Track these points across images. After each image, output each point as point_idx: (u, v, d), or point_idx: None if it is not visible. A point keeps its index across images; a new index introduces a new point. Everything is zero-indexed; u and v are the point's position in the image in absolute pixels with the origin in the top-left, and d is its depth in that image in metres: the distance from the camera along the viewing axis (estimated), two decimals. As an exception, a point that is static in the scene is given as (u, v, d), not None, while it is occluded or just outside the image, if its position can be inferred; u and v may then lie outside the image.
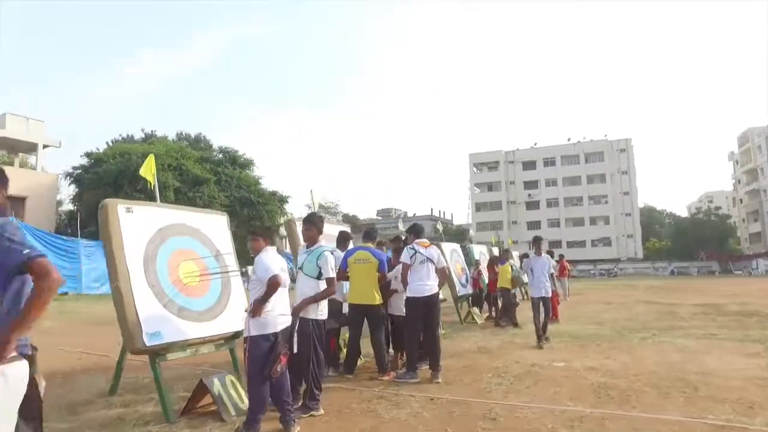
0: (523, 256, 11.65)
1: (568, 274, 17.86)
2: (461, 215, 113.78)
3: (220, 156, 40.35)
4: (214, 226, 5.54)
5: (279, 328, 3.72)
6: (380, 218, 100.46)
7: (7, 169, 2.28)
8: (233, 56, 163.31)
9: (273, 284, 3.57)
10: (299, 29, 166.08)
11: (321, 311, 4.42)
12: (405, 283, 5.63)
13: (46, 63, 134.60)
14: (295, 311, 4.20)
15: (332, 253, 4.67)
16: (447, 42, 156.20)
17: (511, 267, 10.70)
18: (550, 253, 18.92)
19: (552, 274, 8.24)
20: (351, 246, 6.30)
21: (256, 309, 3.61)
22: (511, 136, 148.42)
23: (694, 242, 60.32)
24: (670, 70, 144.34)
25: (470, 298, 12.02)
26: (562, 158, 70.97)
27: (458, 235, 76.23)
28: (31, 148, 35.82)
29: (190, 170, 35.26)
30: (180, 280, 4.69)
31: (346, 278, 5.82)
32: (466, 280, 12.01)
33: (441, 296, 10.51)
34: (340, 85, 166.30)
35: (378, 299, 5.75)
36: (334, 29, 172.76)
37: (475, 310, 11.60)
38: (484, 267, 12.53)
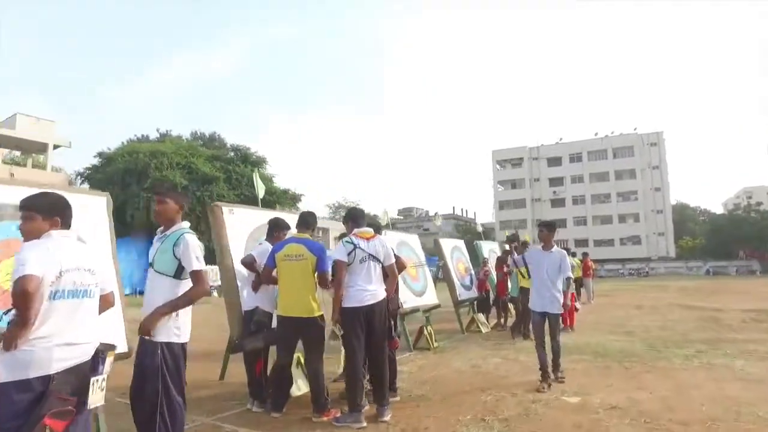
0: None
1: (593, 274, 15.91)
2: (485, 214, 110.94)
3: (232, 154, 39.33)
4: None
5: (54, 367, 2.14)
6: (401, 217, 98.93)
7: (18, 171, 1.50)
8: (255, 59, 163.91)
9: (24, 292, 2.00)
10: (318, 30, 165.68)
11: (180, 329, 2.89)
12: (337, 287, 4.05)
13: (72, 67, 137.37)
14: (143, 328, 2.81)
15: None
16: (468, 37, 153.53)
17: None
18: (570, 252, 17.23)
19: (568, 278, 5.49)
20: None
21: (8, 336, 2.05)
22: (536, 131, 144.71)
23: (731, 240, 56.74)
24: (705, 58, 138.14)
25: (475, 303, 10.31)
26: (588, 153, 68.13)
27: (484, 233, 74.45)
28: (41, 148, 35.46)
29: (199, 168, 34.45)
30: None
31: (275, 281, 4.29)
32: (471, 282, 10.30)
33: (435, 301, 8.77)
34: (359, 84, 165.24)
35: (317, 310, 4.18)
36: (352, 30, 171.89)
37: (480, 317, 9.88)
38: (492, 266, 10.79)
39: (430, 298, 8.69)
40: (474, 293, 10.17)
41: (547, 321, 5.41)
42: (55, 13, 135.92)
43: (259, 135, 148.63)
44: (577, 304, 9.35)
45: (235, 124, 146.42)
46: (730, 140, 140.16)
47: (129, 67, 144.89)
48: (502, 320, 10.08)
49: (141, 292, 28.34)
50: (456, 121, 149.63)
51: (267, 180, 38.73)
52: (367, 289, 3.99)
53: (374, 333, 4.07)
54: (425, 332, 7.77)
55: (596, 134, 68.38)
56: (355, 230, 4.25)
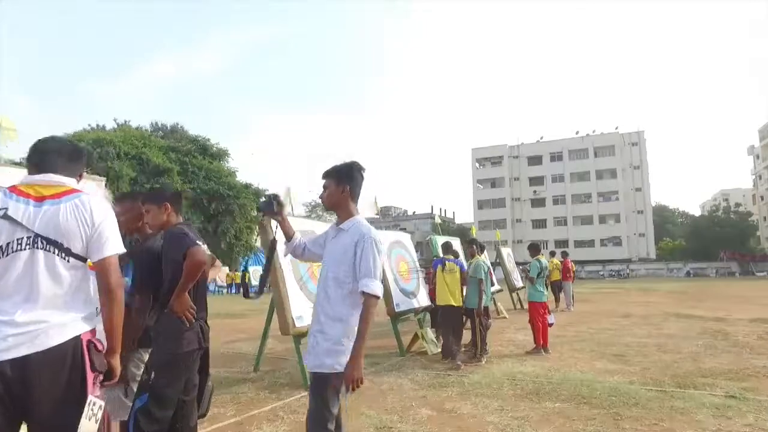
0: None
1: (573, 276, 13.75)
2: (465, 214, 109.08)
3: (190, 146, 36.50)
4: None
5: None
6: (378, 216, 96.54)
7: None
8: (238, 59, 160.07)
9: None
10: (297, 31, 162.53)
11: None
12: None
13: (54, 64, 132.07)
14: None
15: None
16: (448, 34, 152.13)
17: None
18: (552, 253, 15.04)
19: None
20: None
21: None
22: (516, 130, 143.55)
23: (711, 242, 55.71)
24: (686, 59, 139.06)
25: (423, 315, 8.05)
26: (569, 152, 66.85)
27: (459, 234, 72.60)
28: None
29: (151, 159, 31.66)
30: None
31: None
32: (417, 287, 8.02)
33: (428, 302, 7.85)
34: (338, 83, 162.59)
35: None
36: (329, 25, 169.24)
37: (429, 333, 7.58)
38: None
39: (423, 299, 8.04)
40: (418, 302, 7.87)
41: None
42: (40, 9, 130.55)
43: (240, 133, 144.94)
44: (551, 318, 7.11)
45: (218, 122, 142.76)
46: (708, 142, 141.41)
47: (112, 65, 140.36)
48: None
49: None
50: (435, 118, 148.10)
51: (226, 175, 36.17)
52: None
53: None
54: (421, 336, 7.01)
55: (577, 133, 67.21)
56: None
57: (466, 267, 6.96)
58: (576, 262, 14.26)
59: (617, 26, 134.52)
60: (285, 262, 5.31)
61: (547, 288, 7.40)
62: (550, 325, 7.11)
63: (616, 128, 65.18)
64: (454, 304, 6.42)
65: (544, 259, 7.50)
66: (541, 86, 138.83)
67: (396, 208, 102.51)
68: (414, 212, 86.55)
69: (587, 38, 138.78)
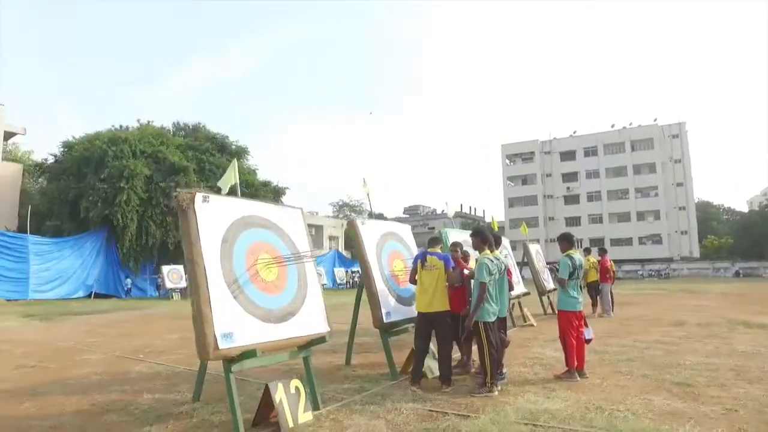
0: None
1: (613, 278, 11.81)
2: (496, 213, 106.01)
3: (208, 144, 35.68)
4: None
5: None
6: (407, 216, 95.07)
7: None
8: (265, 62, 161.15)
9: None
10: (324, 32, 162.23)
11: None
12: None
13: (94, 69, 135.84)
14: None
15: None
16: (476, 27, 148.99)
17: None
18: (587, 250, 13.10)
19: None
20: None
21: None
22: (548, 124, 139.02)
23: (763, 239, 51.81)
24: (731, 45, 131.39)
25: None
26: (605, 147, 63.76)
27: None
28: (-9, 135, 32.12)
29: (167, 157, 30.92)
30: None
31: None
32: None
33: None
34: (366, 83, 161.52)
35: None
36: (352, 24, 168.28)
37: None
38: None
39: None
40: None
41: None
42: (79, 16, 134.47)
43: (272, 135, 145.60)
44: (588, 333, 5.38)
45: (247, 124, 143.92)
46: (755, 134, 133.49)
47: (149, 70, 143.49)
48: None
49: (99, 295, 24.87)
50: (465, 115, 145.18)
51: (246, 173, 35.24)
52: None
53: None
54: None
55: (613, 126, 64.05)
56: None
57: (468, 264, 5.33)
58: (613, 261, 12.32)
59: (655, 11, 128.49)
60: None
61: (581, 291, 5.60)
62: (588, 341, 5.39)
63: (655, 120, 61.86)
64: (427, 311, 4.95)
65: (578, 255, 5.71)
66: (574, 78, 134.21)
67: (425, 207, 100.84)
68: (442, 211, 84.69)
69: (621, 26, 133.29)
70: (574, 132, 66.55)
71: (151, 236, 29.07)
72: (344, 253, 44.27)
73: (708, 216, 70.49)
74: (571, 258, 5.47)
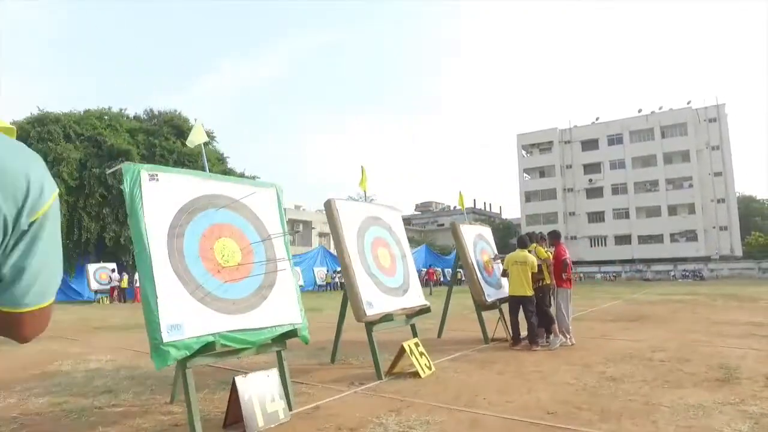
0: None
1: (570, 278, 6.63)
2: (512, 208, 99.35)
3: (164, 127, 31.49)
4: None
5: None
6: (419, 213, 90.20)
7: None
8: (293, 65, 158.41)
9: None
10: (346, 36, 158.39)
11: None
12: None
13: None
14: None
15: None
16: (492, 9, 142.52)
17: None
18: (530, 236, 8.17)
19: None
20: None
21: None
22: (568, 111, 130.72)
23: (817, 236, 45.06)
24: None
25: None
26: (631, 134, 57.71)
27: (505, 230, 64.68)
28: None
29: (107, 141, 26.97)
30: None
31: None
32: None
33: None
34: (383, 80, 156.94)
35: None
36: (367, 17, 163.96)
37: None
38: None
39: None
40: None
41: None
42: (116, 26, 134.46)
43: (297, 134, 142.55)
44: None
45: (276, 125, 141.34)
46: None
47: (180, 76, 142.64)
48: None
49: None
50: (479, 107, 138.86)
51: (215, 158, 31.15)
52: None
53: None
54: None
55: (640, 111, 57.88)
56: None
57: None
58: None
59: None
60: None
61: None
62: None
63: (689, 103, 55.37)
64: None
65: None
66: (596, 60, 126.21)
67: (438, 203, 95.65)
68: (455, 207, 79.54)
69: (644, 3, 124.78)
70: (597, 119, 60.58)
71: (84, 230, 25.20)
72: (333, 251, 39.86)
73: (751, 212, 63.36)
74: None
